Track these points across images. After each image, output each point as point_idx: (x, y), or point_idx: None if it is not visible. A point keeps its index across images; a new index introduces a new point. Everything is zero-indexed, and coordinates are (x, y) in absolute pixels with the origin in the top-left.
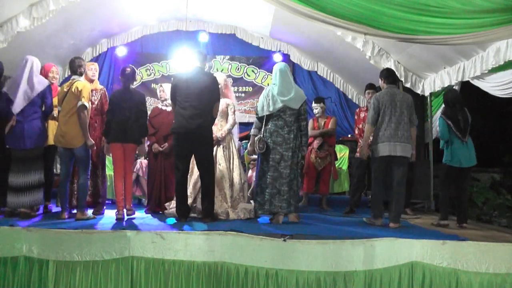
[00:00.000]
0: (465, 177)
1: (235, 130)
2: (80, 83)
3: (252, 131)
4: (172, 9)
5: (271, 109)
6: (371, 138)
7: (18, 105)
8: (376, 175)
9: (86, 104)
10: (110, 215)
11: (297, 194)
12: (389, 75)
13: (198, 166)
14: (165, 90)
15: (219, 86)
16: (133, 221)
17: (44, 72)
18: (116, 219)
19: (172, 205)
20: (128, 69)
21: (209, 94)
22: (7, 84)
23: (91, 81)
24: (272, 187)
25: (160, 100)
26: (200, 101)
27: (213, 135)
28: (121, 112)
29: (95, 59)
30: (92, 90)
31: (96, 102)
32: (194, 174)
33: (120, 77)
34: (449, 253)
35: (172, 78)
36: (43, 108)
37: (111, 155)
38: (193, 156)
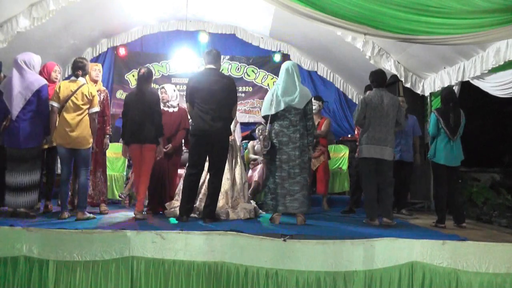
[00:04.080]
0: (453, 177)
1: (238, 129)
2: (92, 88)
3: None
4: (172, 9)
5: (275, 109)
6: None
7: (15, 108)
8: (365, 176)
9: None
10: (111, 215)
11: (310, 194)
12: (373, 79)
13: (210, 167)
14: (168, 91)
15: None
16: (133, 221)
17: (47, 71)
18: (135, 219)
19: (172, 205)
20: (142, 70)
21: (229, 97)
22: (2, 83)
23: (95, 81)
24: (281, 188)
25: (162, 102)
26: (220, 104)
27: None
28: (136, 114)
29: (95, 59)
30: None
31: (99, 104)
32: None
33: (136, 78)
34: (449, 253)
35: (188, 79)
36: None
37: (129, 156)
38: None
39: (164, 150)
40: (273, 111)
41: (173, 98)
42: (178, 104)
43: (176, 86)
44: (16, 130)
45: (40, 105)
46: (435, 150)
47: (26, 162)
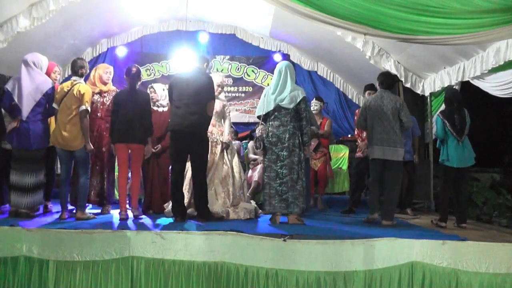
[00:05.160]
0: (462, 177)
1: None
2: (83, 86)
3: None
4: (172, 9)
5: (265, 109)
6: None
7: (25, 109)
8: (372, 176)
9: (89, 108)
10: (111, 215)
11: (302, 195)
12: (383, 80)
13: (191, 164)
14: (157, 90)
15: (218, 85)
16: (133, 221)
17: (47, 72)
18: (120, 219)
19: (171, 205)
20: (134, 69)
21: (203, 93)
22: (10, 84)
23: (105, 83)
24: (269, 187)
25: (152, 102)
26: (194, 99)
27: (219, 139)
28: (125, 112)
29: (95, 59)
30: (105, 92)
31: (108, 103)
32: (190, 170)
33: (125, 77)
34: (449, 253)
35: (170, 79)
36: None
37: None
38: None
39: (154, 150)
40: (263, 112)
41: (162, 97)
42: (167, 104)
43: None
44: (26, 131)
45: (50, 107)
46: (447, 155)
47: (32, 163)
